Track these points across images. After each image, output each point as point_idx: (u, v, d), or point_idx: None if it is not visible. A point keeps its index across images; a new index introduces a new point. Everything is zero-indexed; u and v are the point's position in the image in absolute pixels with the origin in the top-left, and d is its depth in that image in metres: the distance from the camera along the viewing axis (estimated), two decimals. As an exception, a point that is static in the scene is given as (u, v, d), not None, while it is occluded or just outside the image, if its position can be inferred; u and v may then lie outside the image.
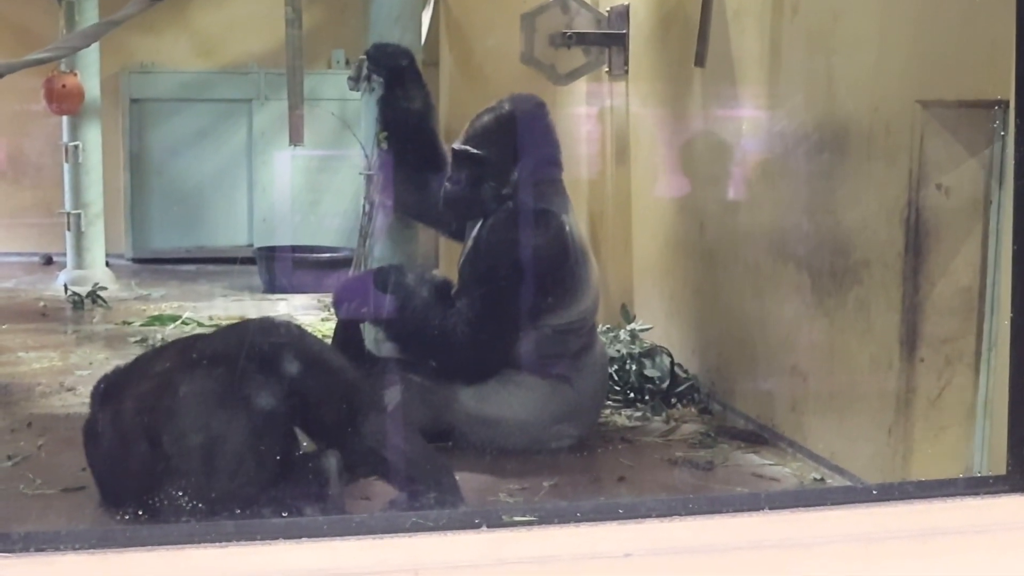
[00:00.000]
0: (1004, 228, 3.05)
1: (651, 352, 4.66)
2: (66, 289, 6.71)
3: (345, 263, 6.63)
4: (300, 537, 1.54)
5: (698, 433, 4.24)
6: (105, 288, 6.77)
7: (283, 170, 8.41)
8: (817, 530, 1.68)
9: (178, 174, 8.41)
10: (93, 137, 7.30)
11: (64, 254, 7.46)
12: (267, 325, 3.34)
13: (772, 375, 4.15)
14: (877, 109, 3.48)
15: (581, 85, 5.72)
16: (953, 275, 3.32)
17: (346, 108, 7.57)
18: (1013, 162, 1.89)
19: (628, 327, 4.86)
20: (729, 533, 1.66)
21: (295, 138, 4.79)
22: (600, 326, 4.54)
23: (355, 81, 4.39)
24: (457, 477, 3.29)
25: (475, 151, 4.09)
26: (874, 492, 1.81)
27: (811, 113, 3.84)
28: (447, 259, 6.36)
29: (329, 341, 4.11)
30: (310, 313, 6.44)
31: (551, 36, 5.34)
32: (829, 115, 3.74)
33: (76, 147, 7.22)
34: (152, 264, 8.21)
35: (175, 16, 8.19)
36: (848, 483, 3.60)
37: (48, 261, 8.18)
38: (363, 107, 4.72)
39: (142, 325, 5.98)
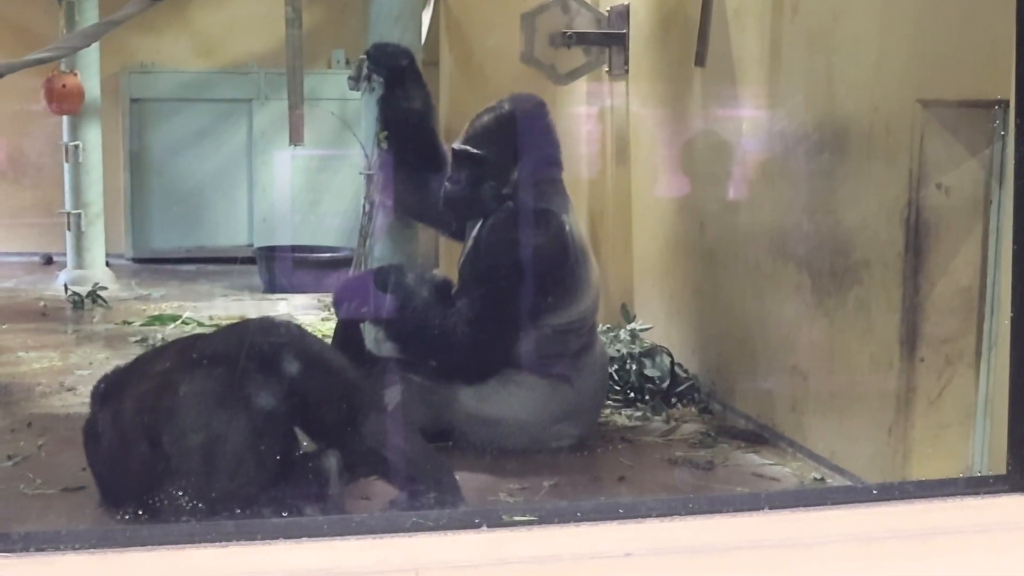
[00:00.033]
0: (1004, 228, 3.05)
1: (651, 352, 4.66)
2: (66, 289, 6.71)
3: (345, 263, 6.64)
4: (300, 537, 1.55)
5: (698, 433, 4.23)
6: (105, 288, 6.77)
7: (283, 170, 8.41)
8: (817, 530, 1.68)
9: (178, 174, 8.41)
10: (93, 137, 7.30)
11: (64, 254, 7.45)
12: (267, 325, 3.34)
13: (772, 375, 4.15)
14: (877, 109, 3.48)
15: (581, 85, 5.72)
16: (953, 275, 3.32)
17: (346, 108, 7.57)
18: (1013, 162, 1.90)
19: (628, 327, 4.86)
20: (729, 533, 1.66)
21: (295, 138, 4.79)
22: (600, 326, 4.54)
23: (355, 81, 4.39)
24: (457, 477, 3.28)
25: (475, 151, 4.08)
26: (874, 492, 1.81)
27: (811, 113, 3.84)
28: (447, 259, 6.35)
29: (329, 341, 4.11)
30: (310, 313, 6.43)
31: (551, 36, 5.34)
32: (829, 115, 3.73)
33: (76, 147, 7.21)
34: (152, 264, 8.20)
35: (175, 16, 8.19)
36: (848, 483, 3.60)
37: (48, 261, 8.17)
38: (363, 107, 4.72)
39: (142, 325, 5.97)
